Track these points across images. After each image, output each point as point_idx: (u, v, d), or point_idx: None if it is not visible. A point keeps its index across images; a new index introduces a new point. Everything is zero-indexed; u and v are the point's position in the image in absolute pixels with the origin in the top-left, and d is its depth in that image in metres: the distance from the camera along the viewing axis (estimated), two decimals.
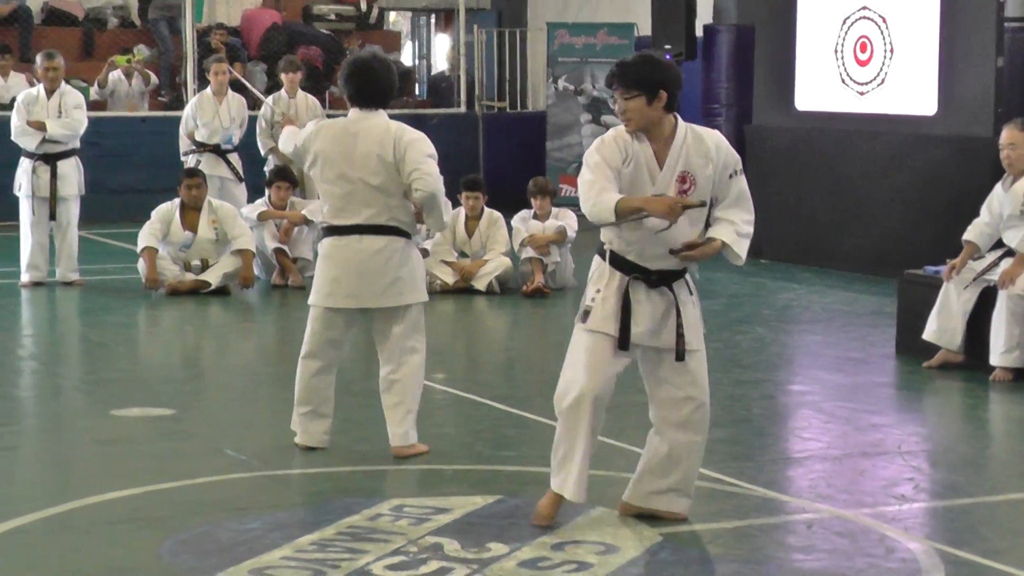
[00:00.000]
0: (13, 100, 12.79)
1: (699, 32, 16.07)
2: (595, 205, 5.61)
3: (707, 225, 5.83)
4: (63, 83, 12.24)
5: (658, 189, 5.65)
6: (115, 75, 17.70)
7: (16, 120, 12.02)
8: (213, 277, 11.74)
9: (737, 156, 5.79)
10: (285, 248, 12.32)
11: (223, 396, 8.50)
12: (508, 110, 19.57)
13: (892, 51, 12.85)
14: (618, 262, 5.76)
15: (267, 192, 12.60)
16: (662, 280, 5.75)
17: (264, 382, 8.88)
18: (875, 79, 13.04)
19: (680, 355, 5.74)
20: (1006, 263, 8.87)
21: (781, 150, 13.92)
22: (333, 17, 20.41)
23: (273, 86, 16.41)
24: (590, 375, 5.69)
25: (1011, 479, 6.84)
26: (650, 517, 5.87)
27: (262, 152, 13.69)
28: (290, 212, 12.42)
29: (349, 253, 6.81)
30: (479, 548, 5.51)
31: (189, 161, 13.35)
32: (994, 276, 8.87)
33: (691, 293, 5.83)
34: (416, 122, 19.98)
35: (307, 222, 12.30)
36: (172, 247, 11.85)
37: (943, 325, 9.02)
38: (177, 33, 18.19)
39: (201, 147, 13.49)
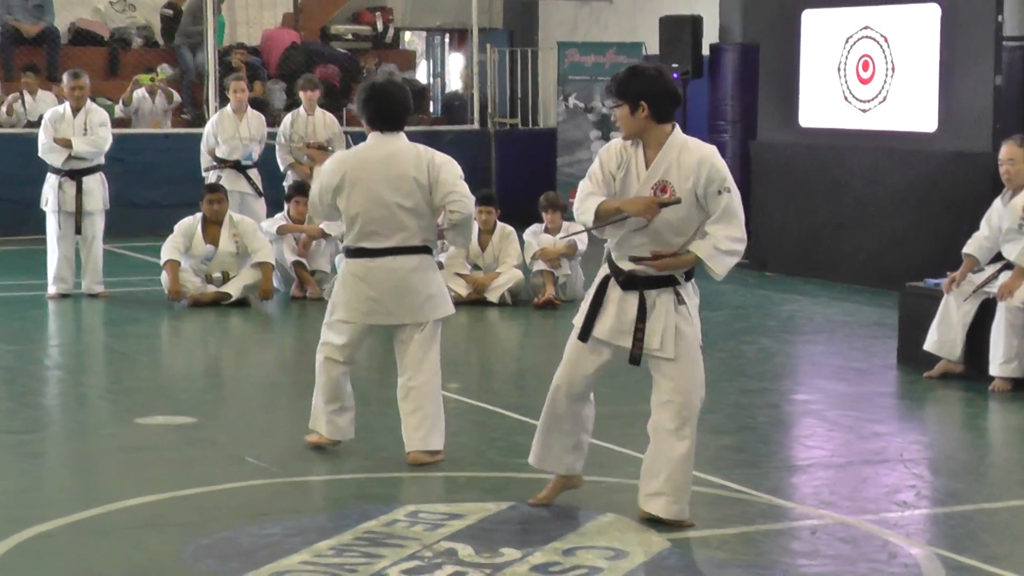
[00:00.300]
0: (40, 118, 12.82)
1: (705, 51, 16.10)
2: (579, 208, 5.86)
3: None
4: (89, 101, 12.26)
5: (639, 193, 5.73)
6: (139, 93, 17.73)
7: (43, 137, 12.05)
8: (234, 289, 11.75)
9: (726, 175, 5.74)
10: (304, 261, 12.33)
11: (244, 405, 8.51)
12: (520, 127, 19.57)
13: (893, 69, 12.84)
14: (609, 262, 5.90)
15: (286, 207, 12.61)
16: (634, 283, 5.77)
17: (283, 391, 8.88)
18: (877, 96, 13.03)
19: (635, 359, 5.82)
20: (1005, 276, 8.85)
21: (785, 165, 13.91)
22: (350, 37, 20.44)
23: (292, 104, 16.44)
24: (562, 366, 5.97)
25: (1010, 486, 6.82)
26: (658, 523, 5.86)
27: (281, 168, 13.72)
28: (308, 226, 12.42)
29: (383, 274, 6.83)
30: (492, 553, 5.51)
31: (210, 177, 13.37)
32: (993, 288, 8.85)
33: (681, 302, 5.81)
34: (430, 139, 20.00)
35: (325, 235, 12.30)
36: (194, 260, 11.87)
37: (943, 336, 9.01)
38: (199, 55, 18.25)
39: (222, 163, 13.51)
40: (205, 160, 13.66)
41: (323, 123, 13.74)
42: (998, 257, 9.02)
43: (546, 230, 12.21)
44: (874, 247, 12.98)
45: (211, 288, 11.80)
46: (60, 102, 14.24)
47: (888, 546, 5.73)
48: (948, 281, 9.05)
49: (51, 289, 12.08)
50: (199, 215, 11.96)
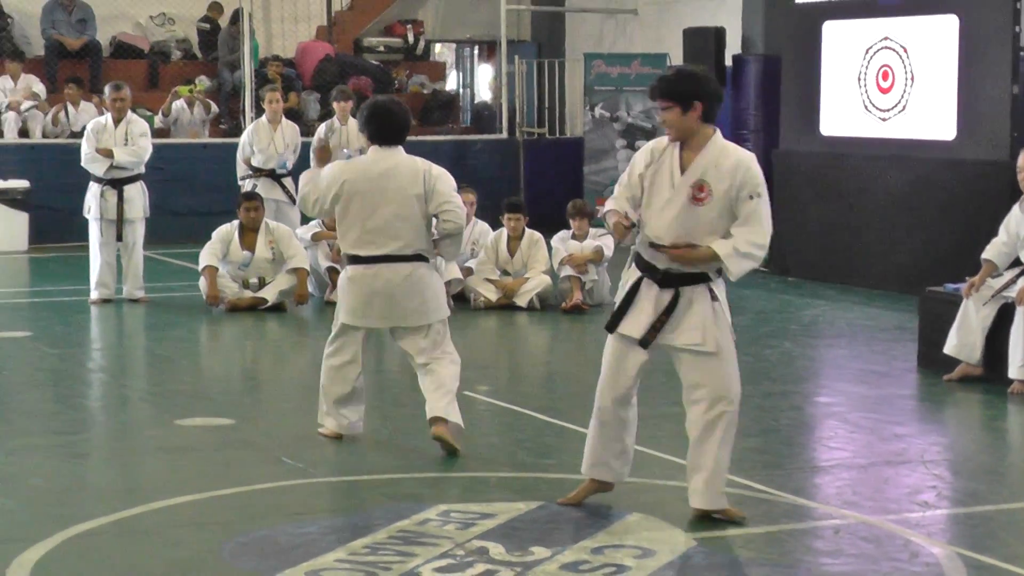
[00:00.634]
0: (83, 128, 12.87)
1: (728, 62, 16.07)
2: (605, 212, 5.92)
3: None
4: (130, 112, 12.30)
5: (676, 192, 5.70)
6: (178, 104, 17.79)
7: (86, 147, 12.10)
8: (270, 294, 11.78)
9: (760, 181, 5.74)
10: (337, 267, 12.33)
11: (280, 407, 8.52)
12: (547, 136, 19.56)
13: (913, 79, 12.79)
14: (638, 261, 5.87)
15: None
16: (671, 281, 5.75)
17: (318, 394, 8.86)
18: (896, 106, 12.98)
19: (644, 343, 5.80)
20: (1023, 281, 8.81)
21: (807, 173, 13.87)
22: (382, 49, 20.47)
23: (326, 114, 16.47)
24: (604, 374, 5.94)
25: None
26: (708, 517, 5.87)
27: None
28: None
29: (379, 282, 7.06)
30: (522, 552, 5.51)
31: (246, 185, 13.39)
32: (1012, 293, 8.81)
33: (715, 298, 5.80)
34: (460, 148, 19.97)
35: None
36: (231, 266, 11.90)
37: (963, 340, 8.96)
38: (236, 73, 18.34)
39: (257, 172, 13.54)
40: (241, 169, 13.68)
41: (356, 133, 13.73)
42: (1016, 262, 8.98)
43: (573, 236, 12.20)
44: (894, 252, 12.93)
45: (248, 293, 11.82)
46: (101, 113, 14.31)
47: (910, 545, 5.70)
48: (967, 286, 9.01)
49: (93, 294, 12.12)
50: (236, 222, 11.99)
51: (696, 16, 17.50)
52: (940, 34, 12.51)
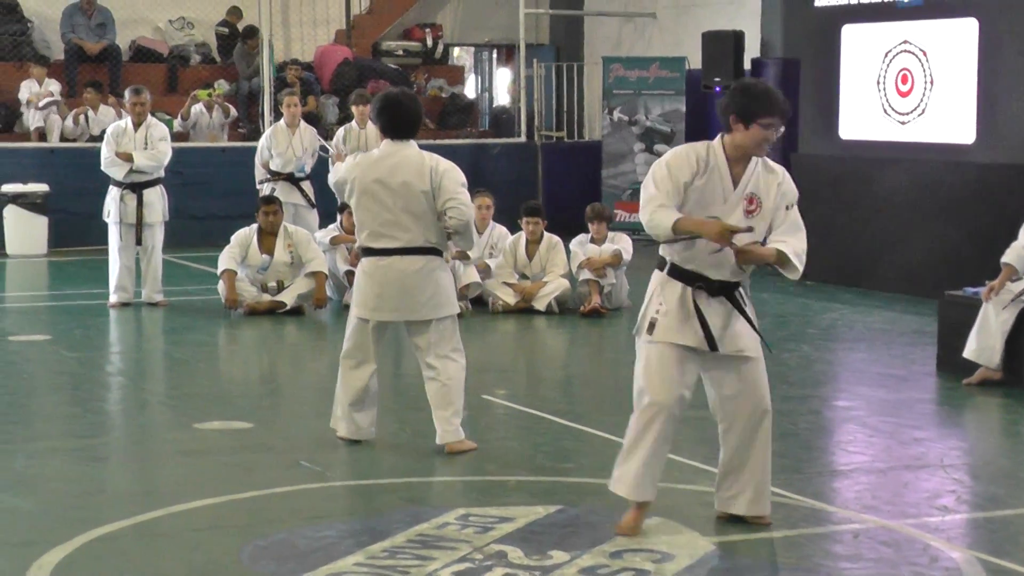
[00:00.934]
0: (103, 132, 12.91)
1: (747, 65, 16.05)
2: (652, 220, 5.64)
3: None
4: (149, 116, 12.33)
5: (728, 206, 5.70)
6: (197, 108, 17.84)
7: (105, 151, 12.14)
8: (288, 298, 11.80)
9: (796, 191, 5.86)
10: (355, 270, 12.34)
11: (298, 410, 8.53)
12: (566, 140, 19.57)
13: (932, 83, 12.76)
14: (678, 273, 5.77)
15: (339, 218, 12.64)
16: (722, 290, 5.76)
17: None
18: (916, 109, 12.95)
19: (713, 347, 5.73)
20: None
21: (826, 177, 13.84)
22: (401, 53, 20.50)
23: (344, 118, 16.49)
24: (662, 386, 5.71)
25: None
26: (740, 522, 5.87)
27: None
28: None
29: (392, 274, 7.08)
30: (541, 556, 5.50)
31: (264, 189, 13.43)
32: None
33: (745, 303, 5.83)
34: (479, 151, 19.95)
35: None
36: (250, 270, 11.92)
37: (982, 344, 8.93)
38: (254, 80, 18.39)
39: (275, 176, 13.57)
40: (259, 173, 13.72)
41: (375, 136, 13.71)
42: None
43: (592, 240, 12.19)
44: (913, 256, 12.89)
45: (266, 297, 11.84)
46: (120, 117, 14.35)
47: (929, 550, 5.68)
48: (987, 290, 8.98)
49: (112, 298, 12.15)
50: (255, 226, 12.01)
51: (715, 19, 17.49)
52: (959, 37, 12.48)
